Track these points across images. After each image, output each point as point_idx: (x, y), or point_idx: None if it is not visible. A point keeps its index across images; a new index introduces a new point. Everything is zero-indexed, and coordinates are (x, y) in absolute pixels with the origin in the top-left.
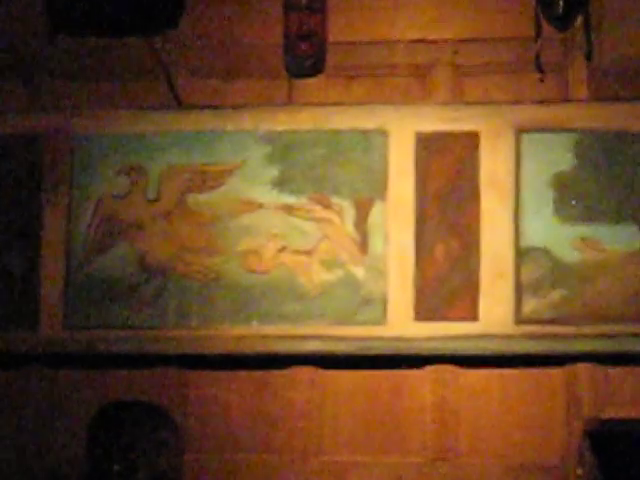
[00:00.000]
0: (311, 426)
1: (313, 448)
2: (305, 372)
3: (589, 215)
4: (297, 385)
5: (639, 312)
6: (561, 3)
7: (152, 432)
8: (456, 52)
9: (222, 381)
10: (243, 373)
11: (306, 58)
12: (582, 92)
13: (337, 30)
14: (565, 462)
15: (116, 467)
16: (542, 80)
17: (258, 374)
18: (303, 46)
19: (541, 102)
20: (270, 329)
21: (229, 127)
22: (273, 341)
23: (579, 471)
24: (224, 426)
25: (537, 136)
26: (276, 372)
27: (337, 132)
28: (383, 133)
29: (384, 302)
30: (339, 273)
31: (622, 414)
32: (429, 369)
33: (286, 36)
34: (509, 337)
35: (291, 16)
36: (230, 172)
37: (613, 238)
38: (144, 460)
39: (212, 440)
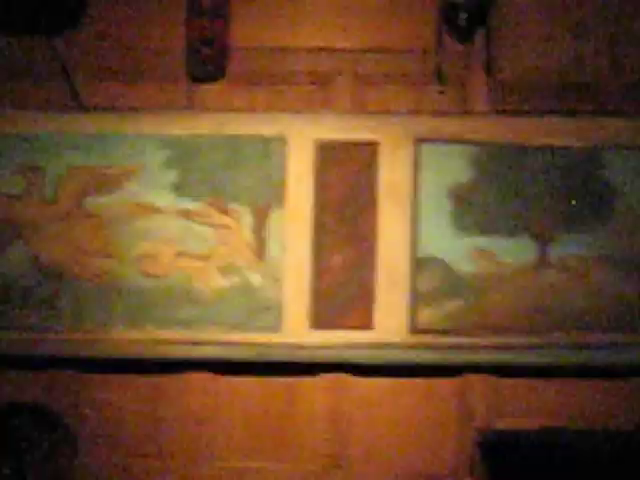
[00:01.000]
0: (205, 431)
1: (206, 454)
2: (200, 378)
3: (485, 227)
4: (191, 390)
5: (532, 324)
6: (463, 16)
7: (44, 435)
8: (358, 62)
9: (116, 385)
10: (138, 377)
11: (208, 63)
12: (481, 105)
13: (240, 36)
14: (456, 472)
15: (5, 470)
16: (442, 92)
17: (153, 379)
18: (205, 51)
19: (441, 114)
20: (165, 334)
21: (129, 130)
22: (168, 346)
23: None
24: (117, 430)
25: (436, 147)
26: (171, 377)
27: (237, 138)
28: (283, 140)
29: (280, 309)
30: (235, 279)
31: (513, 425)
32: (323, 377)
33: (188, 41)
34: (403, 346)
35: (194, 21)
36: (128, 175)
37: (508, 251)
38: (35, 463)
39: (105, 444)
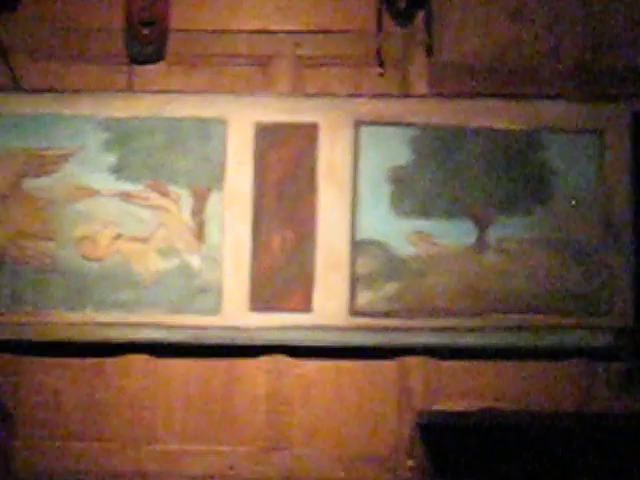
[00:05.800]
0: (144, 414)
1: (146, 436)
2: (139, 360)
3: (424, 210)
4: (130, 373)
5: (470, 306)
6: None
7: None
8: (298, 44)
9: (55, 368)
10: (76, 360)
11: (147, 44)
12: (421, 87)
13: (179, 17)
14: (396, 453)
15: None
16: (382, 74)
17: (91, 362)
18: (145, 32)
19: (381, 96)
20: (104, 316)
21: (67, 112)
22: (107, 329)
23: (410, 462)
24: (56, 413)
25: (376, 130)
26: (109, 360)
27: (176, 120)
28: (222, 122)
29: (219, 291)
30: (175, 261)
31: (452, 407)
32: (263, 359)
33: (128, 21)
34: (343, 329)
35: (134, 1)
36: (67, 157)
37: (447, 233)
38: None
39: (43, 428)
